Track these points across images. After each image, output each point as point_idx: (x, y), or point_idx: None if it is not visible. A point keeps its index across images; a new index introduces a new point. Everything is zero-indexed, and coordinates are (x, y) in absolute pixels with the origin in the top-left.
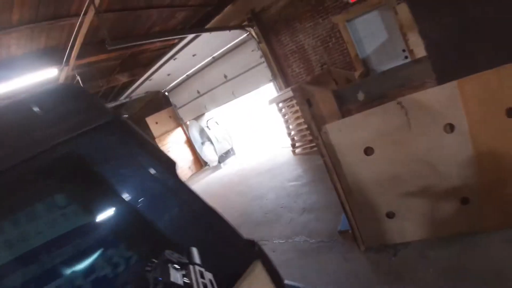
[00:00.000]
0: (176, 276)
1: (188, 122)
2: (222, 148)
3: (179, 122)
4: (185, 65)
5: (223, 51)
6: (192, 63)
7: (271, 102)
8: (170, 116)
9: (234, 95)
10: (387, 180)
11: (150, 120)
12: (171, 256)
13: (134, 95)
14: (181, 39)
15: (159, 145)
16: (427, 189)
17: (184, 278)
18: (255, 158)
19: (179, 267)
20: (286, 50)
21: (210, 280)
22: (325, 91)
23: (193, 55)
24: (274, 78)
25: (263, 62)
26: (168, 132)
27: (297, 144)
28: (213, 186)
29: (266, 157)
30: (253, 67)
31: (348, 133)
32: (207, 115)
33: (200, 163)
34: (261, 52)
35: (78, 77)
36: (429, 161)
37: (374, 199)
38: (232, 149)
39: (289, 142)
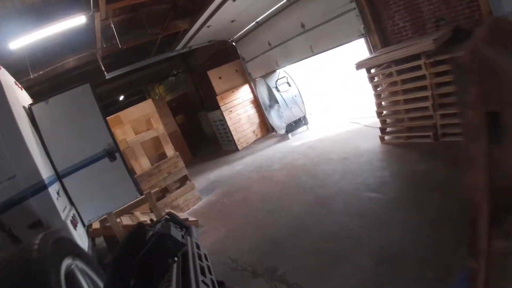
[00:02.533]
0: (176, 232)
1: (256, 79)
2: (292, 115)
3: (246, 78)
4: (252, 10)
5: None
6: (262, 8)
7: (359, 66)
8: (236, 70)
9: (312, 50)
10: None
11: (212, 74)
12: (174, 216)
13: (195, 44)
14: None
15: (221, 104)
16: None
17: (183, 239)
18: (330, 135)
19: (179, 229)
20: None
21: (205, 254)
22: None
23: None
24: (367, 32)
25: (354, 8)
26: (233, 89)
27: (388, 129)
28: (271, 163)
29: (344, 137)
30: (339, 16)
31: None
32: (278, 73)
33: (267, 127)
34: None
35: (112, 26)
36: None
37: None
38: (304, 118)
39: (376, 122)
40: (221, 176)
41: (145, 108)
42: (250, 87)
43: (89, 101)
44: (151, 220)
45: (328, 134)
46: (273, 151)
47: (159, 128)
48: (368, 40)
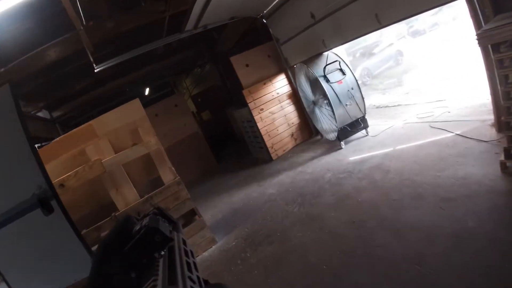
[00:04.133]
0: (164, 226)
1: (295, 66)
2: (346, 115)
3: (282, 65)
4: None
5: None
6: None
7: (486, 38)
8: (268, 56)
9: (378, 20)
10: None
11: (237, 61)
12: (162, 210)
13: (212, 22)
14: None
15: (249, 100)
16: None
17: (170, 234)
18: (406, 149)
19: (167, 223)
20: None
21: (191, 251)
22: None
23: None
24: None
25: None
26: (264, 80)
27: None
28: (320, 191)
29: (431, 153)
30: None
31: None
32: (327, 57)
33: (309, 129)
34: None
35: None
36: None
37: None
38: (363, 119)
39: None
40: (247, 202)
41: (130, 112)
42: (287, 77)
43: (4, 117)
44: (138, 213)
45: (403, 147)
46: (321, 168)
47: (150, 142)
48: (476, 1)
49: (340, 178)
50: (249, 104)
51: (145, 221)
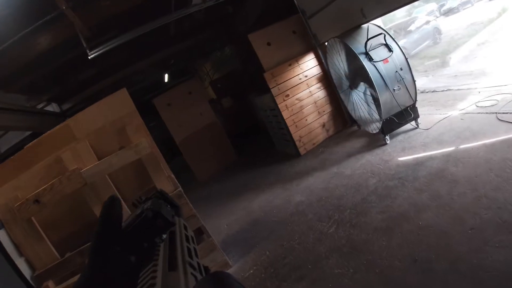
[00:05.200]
0: (167, 211)
1: (327, 44)
2: (394, 103)
3: (310, 42)
4: None
5: None
6: None
7: None
8: (294, 32)
9: None
10: None
11: (256, 39)
12: (164, 194)
13: None
14: None
15: (272, 84)
16: None
17: (172, 219)
18: (475, 149)
19: (169, 207)
20: None
21: (192, 236)
22: None
23: None
24: None
25: None
26: (289, 60)
27: None
28: (363, 203)
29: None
30: None
31: None
32: (367, 31)
33: (343, 118)
34: None
35: None
36: None
37: None
38: (413, 108)
39: None
40: (269, 211)
41: (115, 106)
42: (317, 56)
43: None
44: (140, 197)
45: (468, 146)
46: (362, 171)
47: (141, 144)
48: None
49: (389, 188)
50: (271, 90)
51: (147, 204)
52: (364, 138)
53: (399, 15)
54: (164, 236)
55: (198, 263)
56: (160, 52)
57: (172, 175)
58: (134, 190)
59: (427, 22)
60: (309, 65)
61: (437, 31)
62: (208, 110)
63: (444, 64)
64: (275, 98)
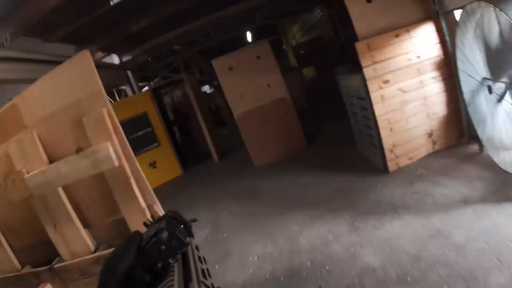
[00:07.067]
0: (181, 231)
1: (461, 12)
2: None
3: (429, 7)
4: None
5: None
6: None
7: None
8: None
9: None
10: None
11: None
12: (177, 215)
13: None
14: None
15: (367, 62)
16: None
17: (186, 240)
18: None
19: (183, 228)
20: None
21: (203, 257)
22: None
23: None
24: None
25: None
26: (396, 29)
27: None
28: None
29: None
30: None
31: None
32: None
33: (459, 129)
34: None
35: None
36: None
37: None
38: None
39: None
40: (320, 262)
41: (73, 82)
42: (438, 30)
43: None
44: (152, 216)
45: None
46: (480, 245)
47: (101, 151)
48: None
49: None
50: (364, 69)
51: (161, 224)
52: (488, 173)
53: None
54: (178, 256)
55: (212, 284)
56: (238, 6)
57: (157, 205)
58: (102, 216)
59: None
60: (425, 42)
61: None
62: (278, 82)
63: None
64: (367, 82)
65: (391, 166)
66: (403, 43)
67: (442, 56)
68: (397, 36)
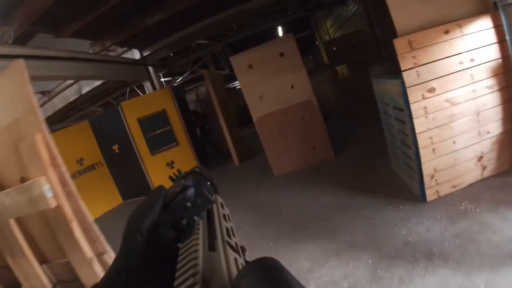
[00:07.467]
0: (208, 189)
1: None
2: None
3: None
4: None
5: None
6: None
7: None
8: None
9: None
10: None
11: None
12: (203, 171)
13: None
14: None
15: (407, 62)
16: None
17: (212, 197)
18: None
19: (209, 185)
20: None
21: (228, 215)
22: None
23: None
24: None
25: None
26: (445, 22)
27: None
28: None
29: None
30: None
31: None
32: None
33: None
34: None
35: None
36: None
37: None
38: None
39: None
40: None
41: (11, 96)
42: (496, 26)
43: None
44: (178, 171)
45: None
46: None
47: (37, 186)
48: None
49: None
50: (404, 74)
51: (188, 181)
52: None
53: None
54: (203, 213)
55: (236, 243)
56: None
57: (108, 254)
58: (58, 253)
59: None
60: (480, 40)
61: None
62: (303, 82)
63: None
64: (407, 90)
65: (430, 194)
66: (453, 41)
67: (500, 60)
68: (446, 32)
